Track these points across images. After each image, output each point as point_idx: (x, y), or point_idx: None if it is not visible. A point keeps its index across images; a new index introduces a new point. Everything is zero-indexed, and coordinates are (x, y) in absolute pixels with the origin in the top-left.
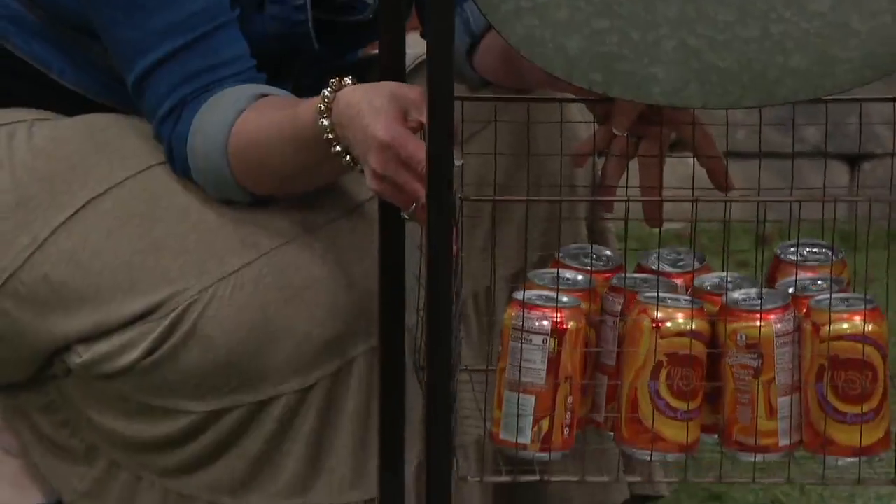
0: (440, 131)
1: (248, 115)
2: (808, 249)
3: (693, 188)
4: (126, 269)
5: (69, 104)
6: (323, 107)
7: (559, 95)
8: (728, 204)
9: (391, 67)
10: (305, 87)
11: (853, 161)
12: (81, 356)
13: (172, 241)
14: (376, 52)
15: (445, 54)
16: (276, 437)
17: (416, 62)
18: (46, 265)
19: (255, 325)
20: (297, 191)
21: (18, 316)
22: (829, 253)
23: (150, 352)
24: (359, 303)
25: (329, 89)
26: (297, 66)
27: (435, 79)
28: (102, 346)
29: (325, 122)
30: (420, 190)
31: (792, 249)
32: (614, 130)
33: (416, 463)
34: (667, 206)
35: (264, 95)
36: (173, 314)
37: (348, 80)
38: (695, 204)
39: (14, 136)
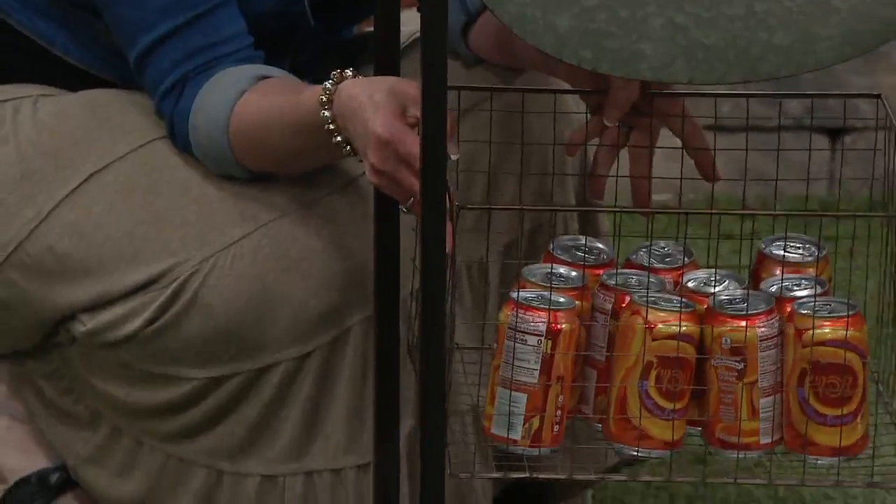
0: (435, 107)
1: (249, 97)
2: (791, 244)
3: (681, 175)
4: (128, 241)
5: (72, 80)
6: (325, 98)
7: (553, 86)
8: (717, 217)
9: (386, 43)
10: (302, 64)
11: (834, 134)
12: (85, 325)
13: (174, 213)
14: (371, 29)
15: (439, 31)
16: (274, 403)
17: (411, 39)
18: (51, 237)
19: (254, 295)
20: (295, 171)
21: (25, 286)
22: (814, 249)
23: (152, 320)
24: (355, 274)
25: (331, 81)
26: (293, 43)
27: (428, 57)
28: (106, 315)
29: (327, 113)
30: (417, 185)
31: (777, 243)
32: (605, 122)
33: (409, 425)
34: (654, 180)
35: (265, 76)
36: (175, 284)
37: (349, 73)
38: (686, 216)
39: (19, 112)
